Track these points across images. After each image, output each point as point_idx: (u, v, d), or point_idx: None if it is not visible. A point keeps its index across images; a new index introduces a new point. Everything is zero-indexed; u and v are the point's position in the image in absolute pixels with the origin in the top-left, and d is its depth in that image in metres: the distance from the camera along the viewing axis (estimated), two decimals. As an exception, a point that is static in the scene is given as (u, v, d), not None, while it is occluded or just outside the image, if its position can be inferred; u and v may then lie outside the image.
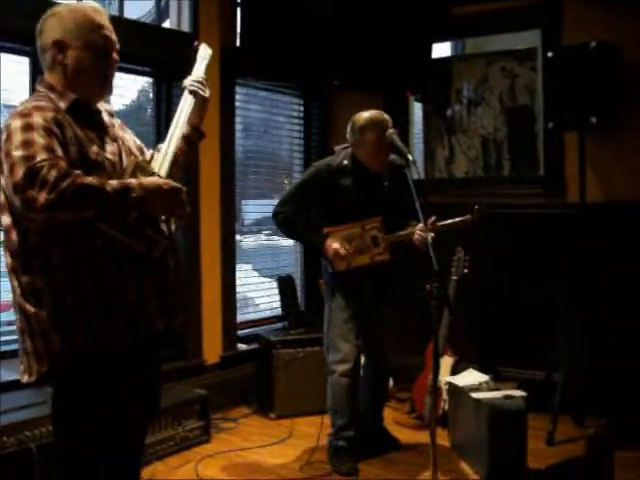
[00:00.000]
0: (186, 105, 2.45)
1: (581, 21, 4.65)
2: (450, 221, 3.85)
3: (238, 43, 4.87)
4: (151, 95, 4.82)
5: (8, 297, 3.92)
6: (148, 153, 2.46)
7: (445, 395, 4.38)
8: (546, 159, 5.05)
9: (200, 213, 4.77)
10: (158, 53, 4.49)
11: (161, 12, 4.84)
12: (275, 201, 4.11)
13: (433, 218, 3.72)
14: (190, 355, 4.81)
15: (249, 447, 4.28)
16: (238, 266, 5.27)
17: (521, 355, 4.88)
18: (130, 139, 2.40)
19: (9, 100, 4.09)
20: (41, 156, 1.93)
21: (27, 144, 1.96)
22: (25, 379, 2.15)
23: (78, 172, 1.96)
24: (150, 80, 4.79)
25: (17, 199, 1.92)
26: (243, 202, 5.60)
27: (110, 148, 2.23)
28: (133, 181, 2.05)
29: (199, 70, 2.56)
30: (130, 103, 4.85)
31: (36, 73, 3.93)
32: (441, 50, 5.64)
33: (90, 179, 1.96)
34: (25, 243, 2.07)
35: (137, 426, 2.40)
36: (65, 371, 2.11)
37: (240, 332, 5.32)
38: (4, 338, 3.88)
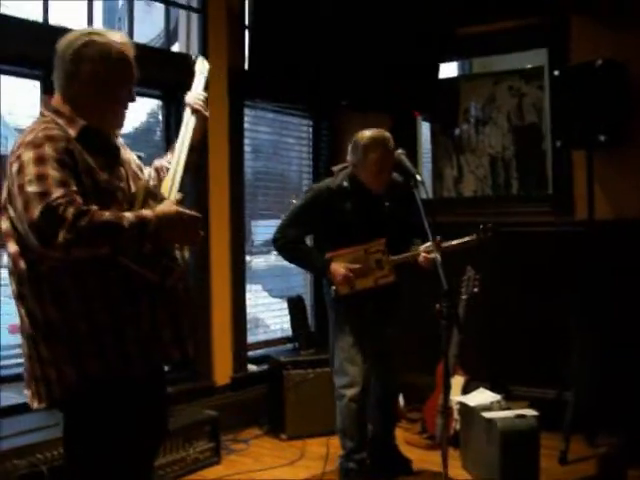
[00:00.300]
0: (189, 126, 2.44)
1: (587, 39, 4.67)
2: (455, 242, 3.83)
3: (246, 65, 4.92)
4: (160, 117, 4.85)
5: (10, 320, 3.99)
6: (146, 171, 2.44)
7: (456, 415, 4.36)
8: (554, 177, 5.05)
9: (210, 234, 4.79)
10: (167, 76, 4.53)
11: (170, 35, 4.89)
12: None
13: (438, 238, 3.62)
14: (200, 376, 4.80)
15: (260, 469, 4.27)
16: (248, 287, 5.28)
17: (532, 374, 4.86)
18: (132, 160, 2.37)
19: (20, 124, 4.14)
20: (57, 193, 1.90)
21: (41, 178, 1.92)
22: (35, 405, 2.13)
23: (95, 208, 1.93)
24: (159, 103, 4.83)
25: (34, 237, 1.90)
26: (253, 223, 5.61)
27: (119, 174, 2.21)
28: (149, 213, 2.02)
29: (199, 86, 2.55)
30: (139, 126, 4.89)
31: (47, 96, 3.98)
32: (448, 70, 5.67)
33: (107, 215, 1.93)
34: (34, 271, 2.05)
35: (148, 451, 2.40)
36: (78, 399, 2.09)
37: (250, 353, 5.31)
38: (5, 362, 3.88)
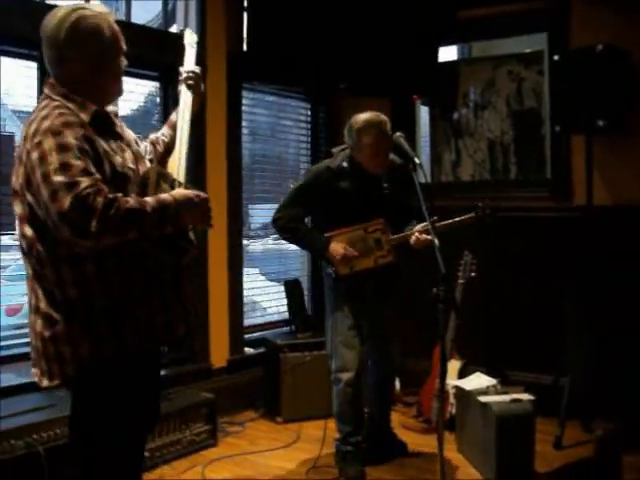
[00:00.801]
0: (187, 103, 2.45)
1: (588, 24, 4.65)
2: (451, 220, 3.77)
3: (245, 47, 4.89)
4: (158, 99, 4.83)
5: (7, 302, 3.99)
6: (142, 145, 2.46)
7: (452, 399, 4.37)
8: (553, 162, 5.05)
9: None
10: (165, 58, 4.50)
11: (168, 17, 4.86)
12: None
13: (435, 218, 3.65)
14: (197, 359, 4.81)
15: (256, 451, 4.29)
16: (245, 270, 5.28)
17: (529, 359, 4.87)
18: (132, 138, 2.38)
19: (16, 105, 4.12)
20: (84, 182, 1.94)
21: (65, 167, 1.95)
22: (45, 383, 2.16)
23: (119, 195, 1.99)
24: (157, 84, 4.81)
25: (65, 228, 1.93)
26: (250, 206, 5.60)
27: (128, 156, 2.24)
28: (168, 197, 2.09)
29: (190, 60, 2.55)
30: (137, 107, 4.86)
31: (44, 77, 3.95)
32: (448, 54, 5.63)
33: (132, 202, 2.00)
34: (54, 254, 2.08)
35: (146, 426, 2.46)
36: (90, 376, 2.14)
37: (247, 336, 5.32)
38: (4, 343, 3.89)
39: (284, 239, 4.08)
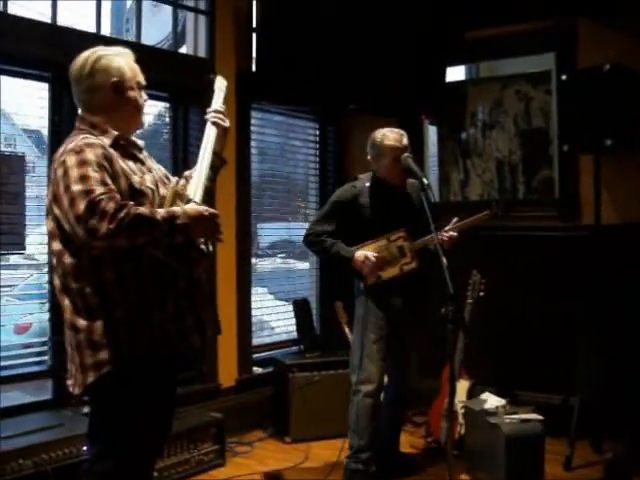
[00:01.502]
0: (211, 136, 2.61)
1: (595, 44, 4.66)
2: (471, 218, 3.92)
3: (254, 67, 4.93)
4: (167, 120, 4.86)
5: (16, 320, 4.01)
6: (173, 180, 2.60)
7: (461, 419, 4.35)
8: (561, 182, 5.05)
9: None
10: (175, 79, 4.54)
11: (178, 37, 4.90)
12: (290, 224, 4.20)
13: (456, 219, 3.88)
14: (206, 378, 4.80)
15: (264, 471, 4.26)
16: (254, 289, 5.28)
17: (538, 378, 4.85)
18: (158, 169, 2.59)
19: (28, 125, 4.16)
20: (99, 190, 2.14)
21: (83, 179, 2.17)
22: (76, 391, 2.33)
23: (131, 203, 2.17)
24: (167, 105, 4.84)
25: (80, 229, 2.13)
26: (259, 225, 5.62)
27: (148, 178, 2.43)
28: (178, 209, 2.26)
29: (218, 102, 2.71)
30: (147, 128, 4.89)
31: (55, 99, 4.00)
32: (456, 74, 5.66)
33: (142, 209, 2.18)
34: (78, 265, 2.27)
35: (156, 445, 2.60)
36: (108, 385, 2.27)
37: (256, 355, 5.31)
38: (8, 362, 3.88)
39: (314, 253, 4.48)
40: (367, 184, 4.00)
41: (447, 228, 3.87)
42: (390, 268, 3.87)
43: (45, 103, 4.02)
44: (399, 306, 3.92)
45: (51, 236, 2.34)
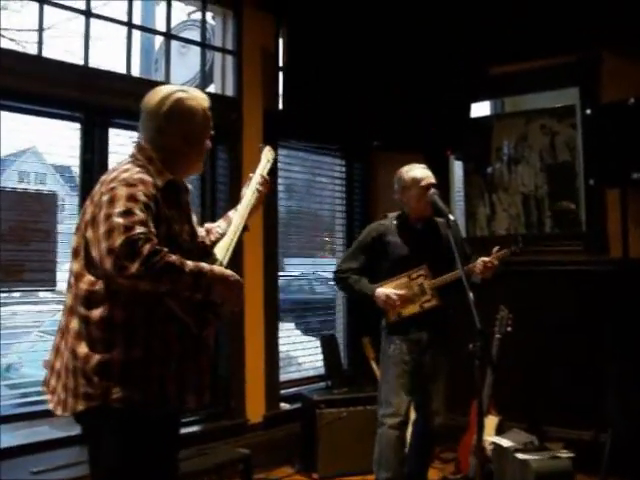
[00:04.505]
0: (251, 201, 2.67)
1: (619, 77, 4.68)
2: (503, 251, 3.86)
3: (281, 106, 5.00)
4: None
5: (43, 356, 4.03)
6: (197, 227, 2.60)
7: (490, 455, 4.30)
8: (588, 215, 5.03)
9: (244, 271, 4.82)
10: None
11: (205, 77, 4.99)
12: (317, 260, 4.23)
13: (497, 247, 3.87)
14: (233, 414, 4.81)
15: (292, 508, 4.25)
16: (280, 325, 5.30)
17: (567, 414, 4.79)
18: (194, 218, 2.57)
19: (58, 162, 4.25)
20: (139, 229, 2.11)
21: (128, 214, 2.14)
22: (59, 412, 2.28)
23: (166, 250, 2.14)
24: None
25: (109, 262, 2.09)
26: (285, 261, 5.65)
27: (186, 229, 2.43)
28: (206, 266, 2.24)
29: (265, 170, 2.78)
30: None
31: (87, 138, 4.09)
32: (481, 109, 5.70)
33: (174, 258, 2.15)
34: (92, 294, 2.23)
35: None
36: (100, 414, 2.21)
37: (283, 391, 5.30)
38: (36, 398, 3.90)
39: (340, 290, 4.58)
40: (395, 222, 4.04)
41: (487, 259, 3.84)
42: (411, 305, 3.88)
43: (76, 141, 4.10)
44: (425, 342, 3.90)
45: (74, 253, 2.31)
